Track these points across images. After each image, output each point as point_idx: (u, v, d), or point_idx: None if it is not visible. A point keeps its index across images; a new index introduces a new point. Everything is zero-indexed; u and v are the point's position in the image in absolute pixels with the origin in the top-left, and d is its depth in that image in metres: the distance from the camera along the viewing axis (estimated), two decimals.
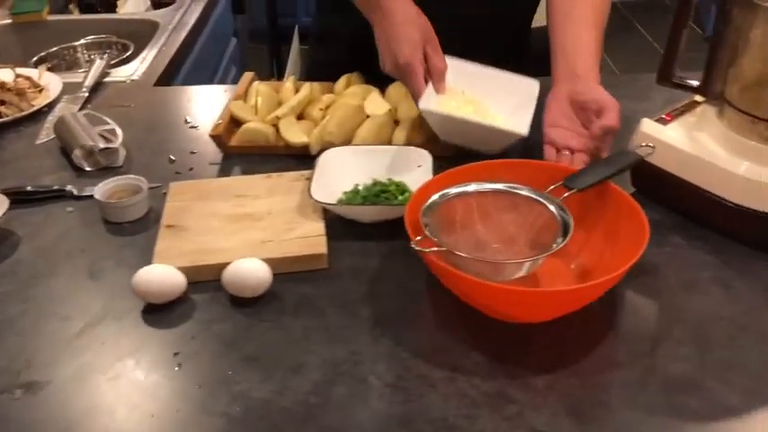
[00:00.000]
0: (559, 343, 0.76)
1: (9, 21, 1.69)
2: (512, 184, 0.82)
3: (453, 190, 0.82)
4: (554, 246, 0.75)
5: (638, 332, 0.77)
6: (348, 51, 1.29)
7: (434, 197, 0.81)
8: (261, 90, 1.21)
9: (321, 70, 1.34)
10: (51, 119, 1.21)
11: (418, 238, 0.75)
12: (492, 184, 0.82)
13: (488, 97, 1.08)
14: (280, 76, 2.71)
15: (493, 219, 0.83)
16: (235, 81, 2.16)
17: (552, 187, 0.82)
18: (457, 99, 1.06)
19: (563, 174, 0.86)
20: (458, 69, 1.08)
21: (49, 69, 1.50)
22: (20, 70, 1.33)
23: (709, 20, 3.97)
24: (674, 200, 0.93)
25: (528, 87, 1.07)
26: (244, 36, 2.28)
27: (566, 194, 0.81)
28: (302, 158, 1.08)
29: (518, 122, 0.99)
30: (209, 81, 1.84)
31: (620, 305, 0.80)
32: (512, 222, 0.82)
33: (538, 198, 0.80)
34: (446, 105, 1.04)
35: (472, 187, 0.82)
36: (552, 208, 0.80)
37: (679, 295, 0.82)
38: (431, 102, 1.02)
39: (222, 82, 1.98)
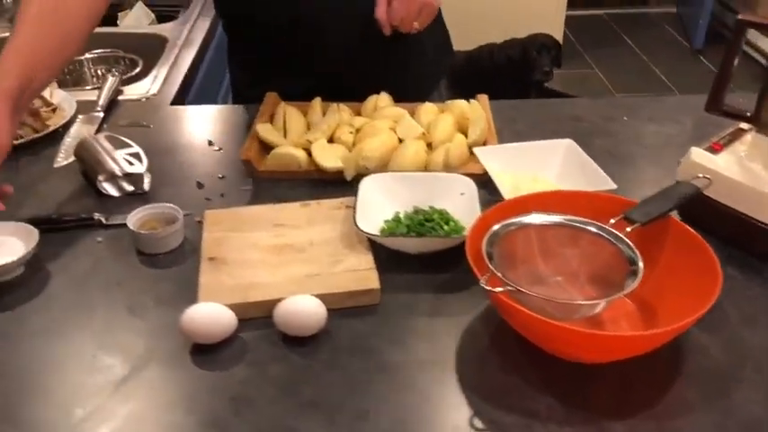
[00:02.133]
0: (628, 384, 0.73)
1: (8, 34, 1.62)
2: (575, 218, 0.79)
3: (514, 222, 0.79)
4: (627, 285, 0.73)
5: (707, 372, 0.75)
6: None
7: (495, 229, 0.78)
8: (288, 111, 1.17)
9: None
10: (69, 141, 1.16)
11: (485, 275, 0.72)
12: (554, 216, 0.80)
13: (543, 169, 1.03)
14: None
15: (554, 252, 0.80)
16: (235, 98, 2.13)
17: (613, 221, 0.80)
18: (526, 181, 1.00)
19: (617, 205, 0.84)
20: (500, 153, 1.04)
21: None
22: None
23: (696, 34, 4.02)
24: (726, 231, 0.91)
25: (563, 146, 1.05)
26: None
27: (629, 229, 0.79)
28: (335, 183, 1.05)
29: (596, 180, 0.96)
30: (215, 98, 1.79)
31: (683, 342, 0.78)
32: (573, 257, 0.80)
33: (603, 234, 0.78)
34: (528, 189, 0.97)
35: (534, 219, 0.80)
36: (617, 243, 0.77)
37: (742, 331, 0.80)
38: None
39: (225, 98, 1.93)
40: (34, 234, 0.88)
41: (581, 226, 0.79)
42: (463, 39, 3.19)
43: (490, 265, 0.73)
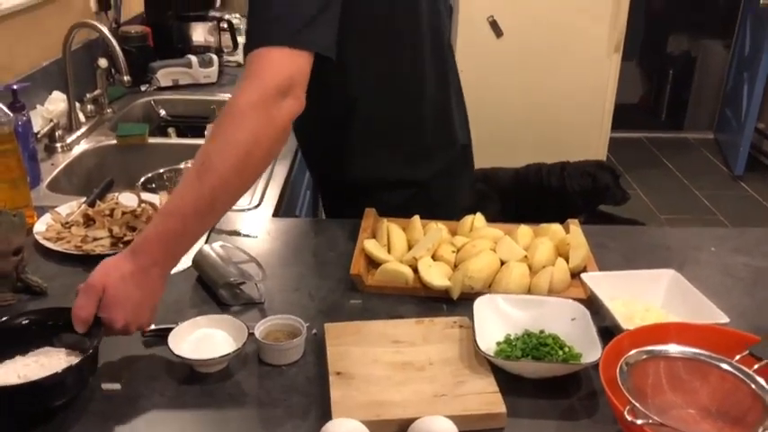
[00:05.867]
0: None
1: (114, 142, 1.74)
2: (705, 352, 0.82)
3: (647, 352, 0.82)
4: (764, 424, 0.74)
5: None
6: None
7: (627, 359, 0.81)
8: (391, 228, 1.23)
9: None
10: None
11: (627, 407, 0.74)
12: (687, 348, 0.82)
13: (647, 298, 1.06)
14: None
15: (683, 384, 0.82)
16: (309, 207, 2.22)
17: (739, 357, 0.82)
18: (637, 310, 1.02)
19: (738, 339, 0.86)
20: (605, 280, 1.07)
21: (152, 190, 1.53)
22: (144, 196, 1.35)
23: (737, 160, 4.11)
24: None
25: (667, 276, 1.07)
26: None
27: (756, 366, 0.81)
28: (439, 300, 1.09)
29: (705, 312, 0.98)
30: (297, 207, 1.87)
31: None
32: (701, 390, 0.81)
33: (735, 371, 0.80)
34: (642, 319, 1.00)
35: (667, 350, 0.82)
36: (749, 382, 0.79)
37: None
38: None
39: (302, 208, 2.01)
40: (243, 332, 0.93)
41: (713, 362, 0.81)
42: (510, 157, 3.33)
43: (630, 397, 0.75)
